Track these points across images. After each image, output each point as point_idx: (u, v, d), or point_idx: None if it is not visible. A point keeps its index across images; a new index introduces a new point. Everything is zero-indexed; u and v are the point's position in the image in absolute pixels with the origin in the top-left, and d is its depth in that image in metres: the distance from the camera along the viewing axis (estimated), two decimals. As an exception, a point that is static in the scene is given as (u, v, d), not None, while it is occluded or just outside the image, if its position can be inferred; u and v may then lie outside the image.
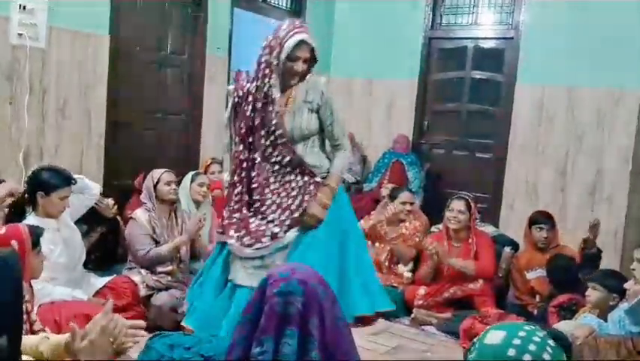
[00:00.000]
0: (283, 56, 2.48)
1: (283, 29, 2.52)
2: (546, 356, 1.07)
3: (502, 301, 3.64)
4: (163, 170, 3.36)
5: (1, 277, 1.27)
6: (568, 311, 3.03)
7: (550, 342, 1.10)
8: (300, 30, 2.51)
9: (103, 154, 3.81)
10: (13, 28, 3.21)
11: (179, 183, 3.55)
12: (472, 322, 3.08)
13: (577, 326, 2.59)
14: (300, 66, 2.52)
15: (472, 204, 3.63)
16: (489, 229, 4.20)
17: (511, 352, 1.08)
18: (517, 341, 1.09)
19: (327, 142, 2.67)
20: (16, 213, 2.82)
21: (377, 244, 3.86)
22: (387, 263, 3.85)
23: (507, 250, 3.79)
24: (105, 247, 3.48)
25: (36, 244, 2.22)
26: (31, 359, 1.68)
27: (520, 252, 3.86)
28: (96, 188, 3.20)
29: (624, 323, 2.46)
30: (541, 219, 3.74)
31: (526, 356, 1.06)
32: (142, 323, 1.61)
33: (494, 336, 1.12)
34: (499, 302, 3.55)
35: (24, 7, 3.24)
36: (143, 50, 4.15)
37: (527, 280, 3.57)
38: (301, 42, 2.49)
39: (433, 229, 4.23)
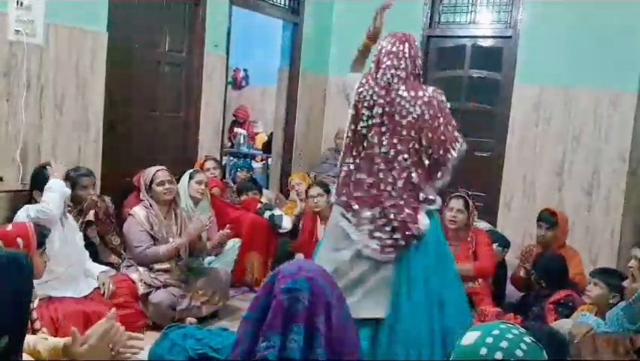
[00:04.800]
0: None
1: (384, 40, 2.58)
2: (519, 353, 1.07)
3: (500, 299, 3.65)
4: (156, 168, 3.33)
5: (12, 278, 1.27)
6: (565, 308, 3.04)
7: (527, 339, 1.11)
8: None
9: (100, 151, 3.79)
10: (10, 25, 3.19)
11: (177, 181, 3.54)
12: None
13: (575, 325, 2.61)
14: None
15: (471, 203, 3.63)
16: (482, 225, 4.20)
17: (483, 351, 1.08)
18: (489, 340, 1.10)
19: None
20: None
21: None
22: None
23: (495, 246, 3.77)
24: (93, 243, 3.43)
25: (41, 243, 2.20)
26: (30, 359, 1.68)
27: (531, 246, 3.87)
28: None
29: (621, 321, 2.46)
30: (542, 216, 3.76)
31: (498, 354, 1.07)
32: (141, 335, 1.62)
33: (469, 337, 1.14)
34: (497, 301, 3.55)
35: (21, 4, 3.22)
36: (141, 47, 4.13)
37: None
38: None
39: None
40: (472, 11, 5.24)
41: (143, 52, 4.15)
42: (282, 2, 5.39)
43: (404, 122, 2.44)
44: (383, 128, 2.46)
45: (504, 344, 1.08)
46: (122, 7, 3.85)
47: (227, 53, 4.81)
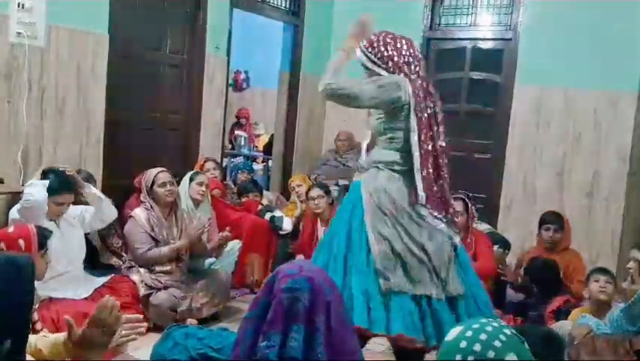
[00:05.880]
0: None
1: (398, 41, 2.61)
2: (497, 344, 1.11)
3: (500, 300, 3.64)
4: (158, 169, 3.35)
5: (11, 279, 1.27)
6: (564, 314, 3.05)
7: (506, 331, 1.14)
8: None
9: (102, 153, 3.80)
10: (11, 27, 3.20)
11: (178, 183, 3.55)
12: (469, 321, 3.07)
13: (574, 326, 2.61)
14: None
15: (470, 204, 3.63)
16: (482, 227, 4.20)
17: (463, 344, 1.13)
18: (469, 333, 1.14)
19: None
20: None
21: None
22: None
23: (496, 248, 3.78)
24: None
25: (42, 245, 2.21)
26: (32, 359, 1.69)
27: (531, 248, 3.88)
28: (112, 215, 3.17)
29: (621, 322, 2.47)
30: (549, 219, 3.76)
31: (477, 346, 1.11)
32: (139, 316, 1.62)
33: (452, 332, 1.18)
34: (497, 302, 3.55)
35: (23, 6, 3.24)
36: (142, 49, 4.15)
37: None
38: None
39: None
40: (472, 14, 5.25)
41: (144, 54, 4.16)
42: (283, 4, 5.40)
43: (440, 119, 2.59)
44: (436, 128, 2.54)
45: (483, 336, 1.13)
46: (123, 9, 3.86)
47: (228, 55, 4.82)
